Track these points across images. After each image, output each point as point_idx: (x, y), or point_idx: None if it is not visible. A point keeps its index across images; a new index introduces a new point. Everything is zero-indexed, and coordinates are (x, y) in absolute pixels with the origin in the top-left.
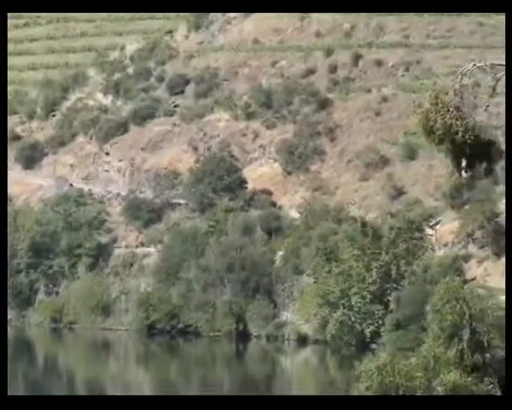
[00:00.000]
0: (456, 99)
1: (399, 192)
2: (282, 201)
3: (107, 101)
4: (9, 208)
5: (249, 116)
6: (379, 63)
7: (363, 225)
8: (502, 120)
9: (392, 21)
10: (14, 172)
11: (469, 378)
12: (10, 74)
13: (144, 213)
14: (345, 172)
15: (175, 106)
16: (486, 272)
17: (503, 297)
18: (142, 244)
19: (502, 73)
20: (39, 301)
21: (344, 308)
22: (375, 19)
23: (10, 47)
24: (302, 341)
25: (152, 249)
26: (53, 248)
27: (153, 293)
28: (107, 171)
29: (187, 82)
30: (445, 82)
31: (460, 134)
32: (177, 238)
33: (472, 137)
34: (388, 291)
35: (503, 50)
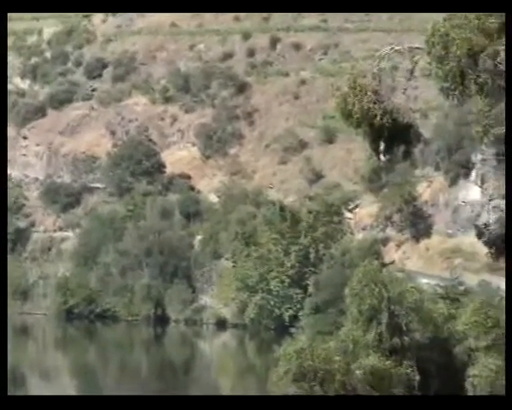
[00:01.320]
0: (374, 82)
1: (318, 176)
2: (200, 185)
3: (24, 85)
4: None
5: (167, 100)
6: (297, 47)
7: (282, 208)
8: (419, 103)
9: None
10: None
11: (388, 362)
12: None
13: (62, 198)
14: (263, 156)
15: (92, 90)
16: (405, 256)
17: (422, 280)
18: (60, 229)
19: (419, 57)
20: None
21: (263, 292)
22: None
23: None
24: (221, 325)
25: (70, 234)
26: None
27: (71, 277)
28: (24, 155)
29: (104, 66)
30: (363, 65)
31: (378, 117)
32: (95, 223)
33: (390, 121)
34: (307, 275)
35: (421, 34)
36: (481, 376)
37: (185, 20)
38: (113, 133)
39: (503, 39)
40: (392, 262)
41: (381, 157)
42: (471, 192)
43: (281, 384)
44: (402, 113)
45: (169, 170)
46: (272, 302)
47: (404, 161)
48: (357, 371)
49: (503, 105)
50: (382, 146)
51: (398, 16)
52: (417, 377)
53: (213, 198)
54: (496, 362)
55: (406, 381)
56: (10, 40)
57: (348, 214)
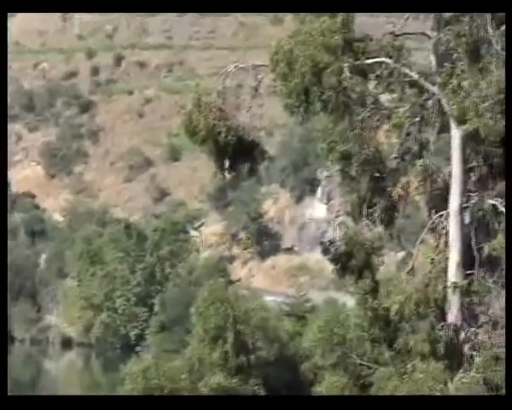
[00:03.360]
0: (219, 100)
1: (163, 194)
2: (45, 203)
3: None
4: None
5: (11, 119)
6: (141, 65)
7: (127, 227)
8: (264, 121)
9: (155, 22)
10: None
11: (234, 380)
12: None
13: None
14: (108, 175)
15: None
16: (251, 273)
17: (269, 298)
18: None
19: (263, 74)
20: None
21: (108, 311)
22: (138, 20)
23: None
24: (67, 344)
25: None
26: None
27: None
28: None
29: None
30: (207, 83)
31: (223, 135)
32: None
33: (235, 138)
34: (153, 293)
35: (265, 51)
36: (327, 393)
37: (29, 37)
38: None
39: (347, 56)
40: (239, 280)
41: (227, 175)
42: (317, 209)
43: None
44: (247, 130)
45: (14, 189)
46: (118, 321)
47: (249, 178)
48: (203, 390)
49: (346, 122)
50: (227, 164)
51: (242, 33)
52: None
53: (58, 217)
54: (341, 380)
55: None
56: None
57: (194, 232)
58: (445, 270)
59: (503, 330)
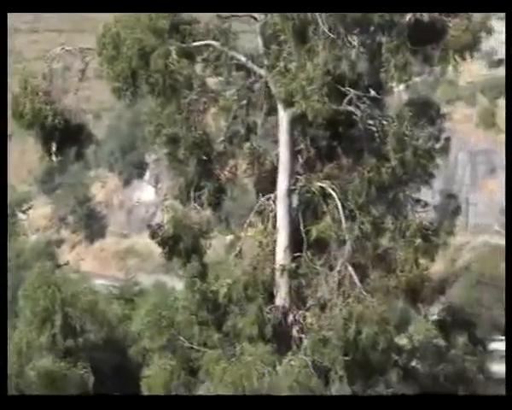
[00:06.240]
0: (45, 83)
1: None
2: None
3: None
4: None
5: None
6: None
7: None
8: (91, 105)
9: None
10: None
11: (62, 363)
12: None
13: None
14: None
15: None
16: (79, 257)
17: (97, 281)
18: None
19: (90, 57)
20: None
21: None
22: None
23: None
24: None
25: None
26: None
27: None
28: None
29: None
30: (34, 66)
31: (49, 118)
32: None
33: (62, 122)
34: None
35: (92, 34)
36: (155, 376)
37: None
38: None
39: (174, 39)
40: (67, 263)
41: (54, 158)
42: (145, 192)
43: None
44: (74, 114)
45: None
46: None
47: (76, 162)
48: (31, 373)
49: (174, 105)
50: (54, 147)
51: (69, 17)
52: (92, 378)
53: None
54: (170, 362)
55: (80, 382)
56: None
57: (22, 216)
58: (273, 253)
59: (331, 313)
